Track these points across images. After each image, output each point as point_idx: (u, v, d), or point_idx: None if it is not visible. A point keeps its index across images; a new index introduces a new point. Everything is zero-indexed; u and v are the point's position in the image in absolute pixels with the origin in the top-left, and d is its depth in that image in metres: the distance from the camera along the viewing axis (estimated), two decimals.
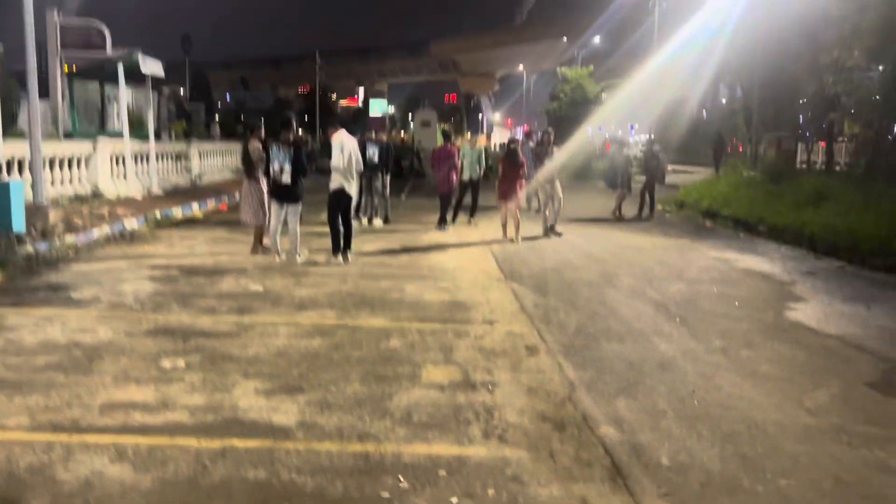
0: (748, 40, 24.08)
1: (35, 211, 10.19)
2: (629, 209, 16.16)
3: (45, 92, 14.66)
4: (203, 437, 4.04)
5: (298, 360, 5.46)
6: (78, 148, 14.34)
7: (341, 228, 9.76)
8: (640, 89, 37.25)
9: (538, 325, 6.68)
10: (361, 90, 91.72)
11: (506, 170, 12.81)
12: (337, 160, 9.48)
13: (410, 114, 59.25)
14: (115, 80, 16.75)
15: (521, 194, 17.97)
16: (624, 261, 10.56)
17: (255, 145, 10.17)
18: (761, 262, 10.77)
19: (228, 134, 31.60)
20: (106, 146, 15.15)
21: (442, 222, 14.17)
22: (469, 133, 15.81)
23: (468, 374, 5.25)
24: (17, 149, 11.79)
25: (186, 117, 30.28)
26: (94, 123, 18.60)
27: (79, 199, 13.45)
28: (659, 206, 17.52)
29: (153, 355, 5.48)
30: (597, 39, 52.36)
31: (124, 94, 16.48)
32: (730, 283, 9.07)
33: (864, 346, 6.30)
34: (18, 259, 8.75)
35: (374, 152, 13.79)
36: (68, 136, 15.90)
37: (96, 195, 14.47)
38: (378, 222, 14.15)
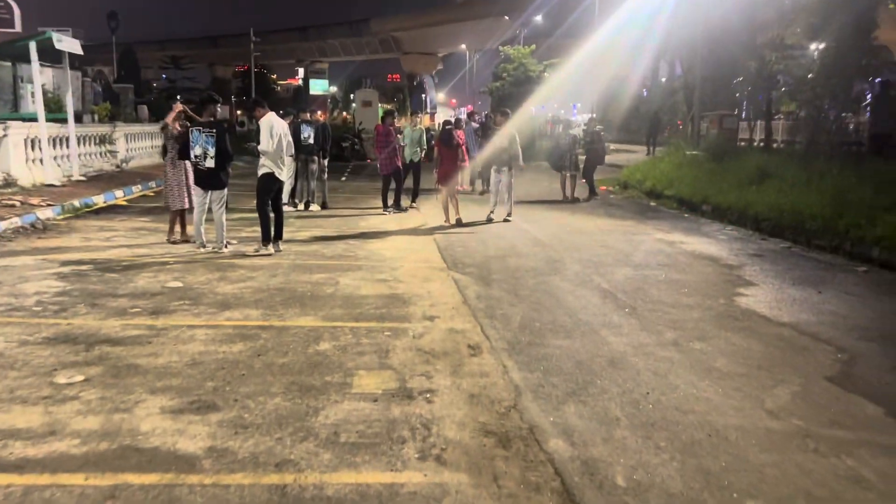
0: (689, 18, 24.03)
1: None
2: (577, 191, 15.87)
3: None
4: (92, 472, 3.47)
5: (215, 370, 4.88)
6: None
7: (272, 216, 9.13)
8: (581, 68, 37.11)
9: (481, 320, 6.24)
10: (301, 70, 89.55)
11: (442, 152, 12.34)
12: (266, 143, 8.83)
13: (352, 94, 58.03)
14: (28, 59, 15.57)
15: (463, 177, 17.63)
16: (569, 245, 10.21)
17: (172, 124, 9.37)
18: (708, 244, 10.57)
19: (161, 116, 30.13)
20: (18, 130, 14.07)
21: (385, 205, 13.65)
22: (410, 113, 15.24)
23: (405, 380, 4.77)
24: None
25: (113, 99, 28.76)
26: (7, 105, 17.35)
27: None
28: (603, 187, 17.31)
29: (47, 369, 4.83)
30: (539, 18, 52.02)
31: (37, 74, 15.32)
32: (678, 267, 8.80)
33: (819, 334, 6.05)
34: None
35: (309, 133, 13.13)
36: None
37: (8, 183, 13.44)
38: (315, 207, 13.52)
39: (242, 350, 5.30)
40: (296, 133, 12.75)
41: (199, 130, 8.76)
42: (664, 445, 3.91)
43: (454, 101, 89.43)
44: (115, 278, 7.51)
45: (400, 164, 13.74)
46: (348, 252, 9.36)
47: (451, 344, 5.58)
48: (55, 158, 15.43)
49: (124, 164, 19.12)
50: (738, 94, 28.96)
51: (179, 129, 9.24)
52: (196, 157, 8.71)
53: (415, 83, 78.07)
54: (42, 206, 11.79)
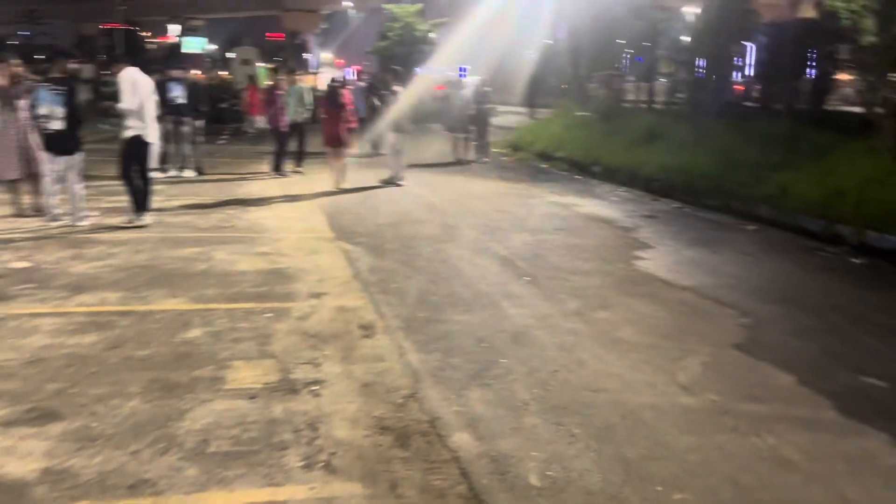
0: None
1: None
2: (470, 153, 15.48)
3: None
4: None
5: (60, 368, 4.14)
6: None
7: (140, 184, 8.19)
8: (470, 29, 36.63)
9: (374, 296, 5.72)
10: (176, 27, 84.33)
11: (328, 112, 11.62)
12: (128, 100, 7.85)
13: (230, 52, 55.13)
14: None
15: (350, 138, 16.86)
16: (465, 210, 9.81)
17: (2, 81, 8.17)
18: (602, 206, 10.44)
19: None
20: None
21: (276, 167, 12.80)
22: (287, 72, 14.31)
23: (288, 370, 4.20)
24: None
25: None
26: None
27: None
28: (495, 149, 17.02)
29: None
30: None
31: None
32: (574, 231, 8.57)
33: (721, 298, 5.92)
34: None
35: (179, 92, 12.00)
36: None
37: None
38: (190, 173, 12.45)
39: (95, 342, 4.55)
40: (164, 92, 11.64)
41: (47, 88, 7.66)
42: (578, 433, 3.56)
43: (341, 61, 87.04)
44: None
45: (284, 124, 12.87)
46: (225, 222, 8.56)
47: (342, 324, 5.04)
48: None
49: None
50: (622, 56, 29.45)
51: (7, 85, 8.06)
52: (41, 117, 7.62)
53: (296, 42, 75.24)
54: None
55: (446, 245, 7.66)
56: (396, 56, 31.42)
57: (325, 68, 74.33)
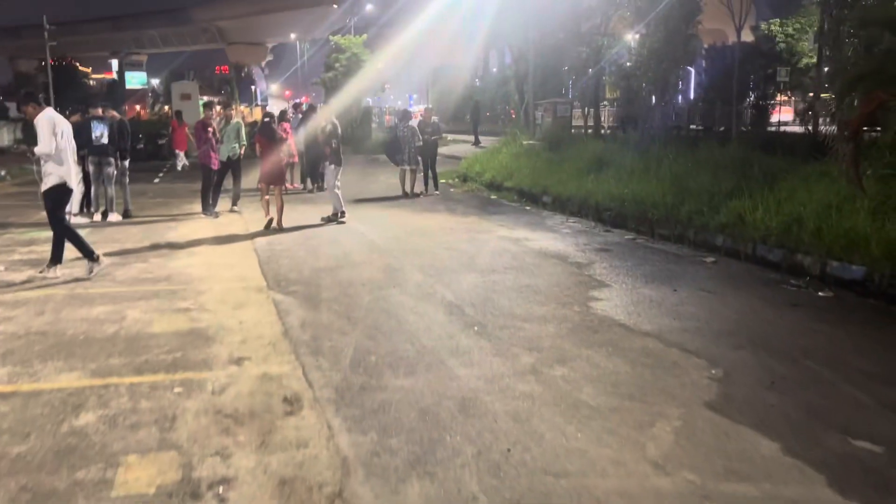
0: (519, 5, 23.90)
1: None
2: (418, 185, 14.94)
3: None
4: None
5: None
6: None
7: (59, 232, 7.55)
8: (414, 57, 36.44)
9: (304, 359, 5.06)
10: (116, 62, 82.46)
11: (263, 147, 10.99)
12: (47, 145, 7.18)
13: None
14: None
15: (292, 174, 16.21)
16: (410, 249, 9.22)
17: None
18: (553, 239, 9.96)
19: None
20: None
21: (205, 208, 12.08)
22: (232, 104, 13.71)
23: (191, 466, 3.52)
24: None
25: None
26: None
27: None
28: (443, 180, 16.54)
29: None
30: (369, 6, 50.79)
31: None
32: (525, 269, 8.04)
33: (685, 344, 5.42)
34: None
35: (102, 132, 11.23)
36: None
37: None
38: (115, 217, 11.63)
39: None
40: (86, 131, 10.90)
41: None
42: None
43: (289, 92, 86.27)
44: None
45: (215, 161, 12.19)
46: (146, 273, 7.80)
47: (262, 398, 4.37)
48: None
49: None
50: (568, 82, 29.49)
51: None
52: None
53: (242, 74, 74.33)
54: None
55: (389, 291, 7.04)
56: (343, 86, 30.90)
57: (271, 100, 73.57)
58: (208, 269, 8.00)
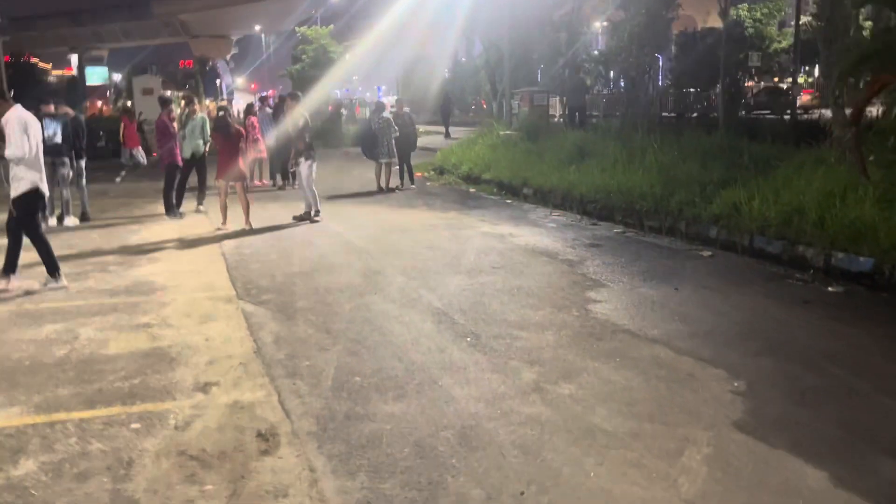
0: None
1: None
2: (394, 179, 14.36)
3: None
4: None
5: None
6: None
7: (14, 241, 6.94)
8: (382, 48, 35.68)
9: (279, 383, 4.51)
10: (75, 57, 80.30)
11: (220, 143, 10.41)
12: (19, 147, 6.54)
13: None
14: None
15: (261, 170, 15.55)
16: (390, 249, 8.67)
17: None
18: (539, 235, 9.48)
19: None
20: None
21: (168, 209, 11.40)
22: (194, 99, 12.99)
23: None
24: None
25: None
26: None
27: None
28: (419, 174, 15.98)
29: None
30: None
31: None
32: (514, 269, 7.54)
33: (699, 352, 4.96)
34: None
35: (55, 130, 10.45)
36: None
37: None
38: (72, 221, 10.90)
39: None
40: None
41: None
42: None
43: (255, 85, 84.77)
44: None
45: (179, 159, 11.51)
46: (104, 283, 7.16)
47: (233, 434, 3.82)
48: None
49: None
50: (537, 71, 28.99)
51: None
52: None
53: (207, 68, 72.80)
54: None
55: (370, 297, 6.50)
56: (310, 78, 30.13)
57: (237, 93, 72.16)
58: (172, 277, 7.37)
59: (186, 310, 6.18)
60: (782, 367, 4.69)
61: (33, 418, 4.03)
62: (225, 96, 62.24)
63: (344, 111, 32.76)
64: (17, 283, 6.91)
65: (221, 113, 11.11)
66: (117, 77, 75.30)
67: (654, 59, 15.45)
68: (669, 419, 3.94)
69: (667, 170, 10.71)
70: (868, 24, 11.15)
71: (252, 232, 9.90)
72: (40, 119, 10.27)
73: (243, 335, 5.47)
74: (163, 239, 9.59)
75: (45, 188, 6.98)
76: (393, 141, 13.85)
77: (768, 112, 24.10)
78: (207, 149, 12.05)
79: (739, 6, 42.18)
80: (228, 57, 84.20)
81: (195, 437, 3.78)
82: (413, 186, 14.59)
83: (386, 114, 14.23)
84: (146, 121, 26.95)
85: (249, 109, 15.92)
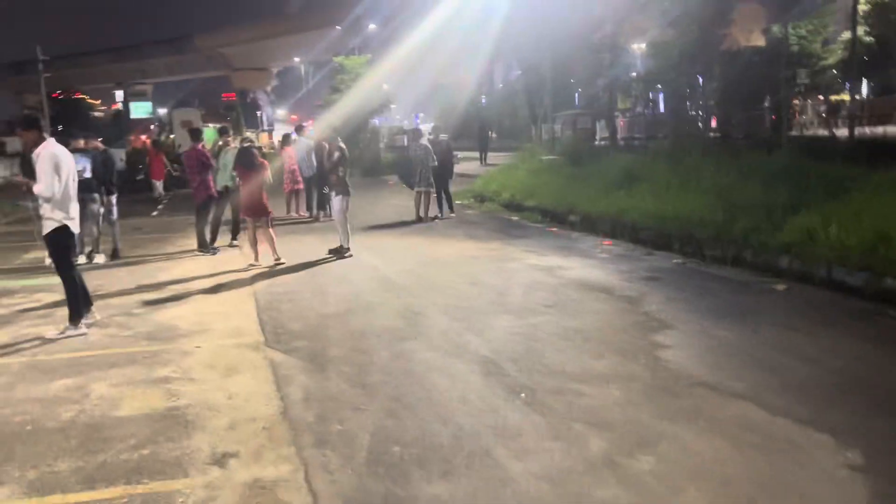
0: (527, 18, 22.93)
1: None
2: (432, 208, 13.80)
3: None
4: None
5: None
6: None
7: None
8: (418, 76, 35.46)
9: (307, 455, 3.89)
10: (120, 93, 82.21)
11: (242, 176, 10.00)
12: (48, 187, 6.20)
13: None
14: None
15: (298, 202, 15.16)
16: (430, 285, 8.07)
17: None
18: (591, 267, 8.78)
19: None
20: None
21: (202, 245, 11.02)
22: (222, 132, 12.79)
23: None
24: None
25: None
26: None
27: None
28: (458, 201, 15.41)
29: None
30: (371, 26, 49.98)
31: None
32: (567, 308, 6.86)
33: (796, 412, 4.22)
34: None
35: (84, 165, 10.11)
36: None
37: None
38: (101, 258, 10.54)
39: None
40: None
41: None
42: None
43: (295, 116, 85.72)
44: None
45: (213, 192, 11.14)
46: (125, 329, 6.67)
47: None
48: None
49: None
50: (575, 94, 28.41)
51: None
52: None
53: (248, 100, 73.77)
54: None
55: (410, 344, 5.88)
56: (348, 108, 29.97)
57: (277, 124, 72.86)
58: (199, 321, 6.85)
59: (210, 360, 5.63)
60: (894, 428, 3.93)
61: (21, 503, 3.47)
62: (266, 128, 62.89)
63: (383, 139, 32.56)
64: (98, 315, 6.89)
65: (246, 144, 10.70)
66: (163, 111, 76.87)
67: (703, 77, 14.69)
68: None
69: (726, 194, 9.97)
70: None
71: (285, 269, 9.39)
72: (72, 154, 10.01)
73: (269, 391, 4.89)
74: (193, 276, 9.14)
75: (74, 226, 6.60)
76: (430, 169, 13.31)
77: (822, 130, 23.07)
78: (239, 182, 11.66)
79: (788, 24, 41.08)
80: (269, 89, 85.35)
81: None
82: (453, 215, 14.02)
83: (424, 141, 13.73)
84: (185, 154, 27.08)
85: (286, 140, 15.60)
